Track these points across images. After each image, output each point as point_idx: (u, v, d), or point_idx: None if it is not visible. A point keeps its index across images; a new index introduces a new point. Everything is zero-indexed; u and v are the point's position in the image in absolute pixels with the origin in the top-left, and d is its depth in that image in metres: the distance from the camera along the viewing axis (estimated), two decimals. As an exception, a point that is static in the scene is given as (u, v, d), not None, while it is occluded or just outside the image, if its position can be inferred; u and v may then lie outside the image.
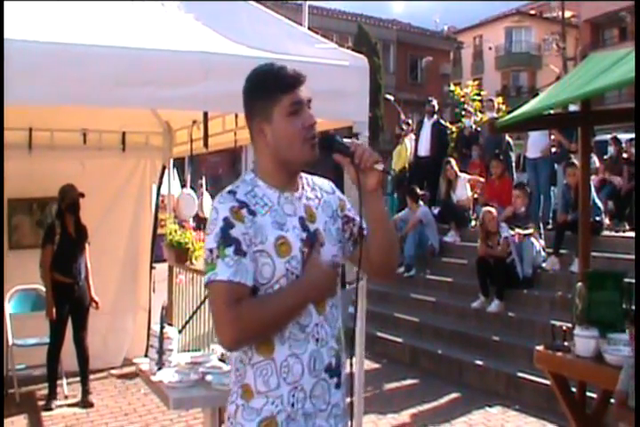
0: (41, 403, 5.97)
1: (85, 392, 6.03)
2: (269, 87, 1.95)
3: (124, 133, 6.91)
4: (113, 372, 6.88)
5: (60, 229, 5.94)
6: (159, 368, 3.88)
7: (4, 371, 6.05)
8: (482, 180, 10.68)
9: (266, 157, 2.02)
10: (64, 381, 6.21)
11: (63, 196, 5.99)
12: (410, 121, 14.49)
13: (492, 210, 8.21)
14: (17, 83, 3.00)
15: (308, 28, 4.49)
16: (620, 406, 2.79)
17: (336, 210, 2.15)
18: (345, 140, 2.03)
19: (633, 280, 4.04)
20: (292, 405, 1.94)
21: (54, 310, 5.84)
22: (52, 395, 5.95)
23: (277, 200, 1.99)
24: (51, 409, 5.82)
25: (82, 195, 5.98)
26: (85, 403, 5.95)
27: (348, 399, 2.09)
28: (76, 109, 4.65)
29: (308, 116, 1.97)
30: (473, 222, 10.29)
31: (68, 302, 5.95)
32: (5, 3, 3.21)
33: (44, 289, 6.04)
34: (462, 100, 17.56)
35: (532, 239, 7.94)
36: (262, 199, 1.98)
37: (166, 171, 7.12)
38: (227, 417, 2.04)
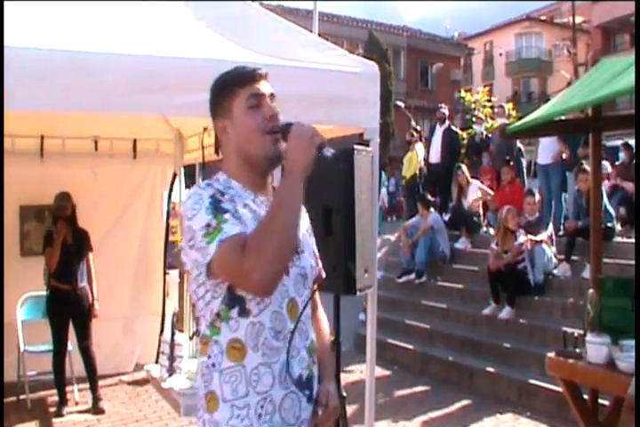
0: (52, 409, 5.99)
1: (96, 399, 6.03)
2: (228, 84, 1.94)
3: (135, 141, 6.94)
4: (123, 378, 6.90)
5: (57, 236, 5.93)
6: (170, 375, 3.89)
7: (16, 377, 6.10)
8: (491, 193, 10.51)
9: (232, 157, 1.98)
10: (75, 387, 6.24)
11: (54, 204, 6.00)
12: (418, 128, 14.48)
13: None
14: (29, 90, 3.02)
15: (319, 35, 4.48)
16: (630, 410, 2.77)
17: (308, 227, 2.12)
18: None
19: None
20: (260, 416, 1.83)
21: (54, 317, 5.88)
22: (63, 401, 5.97)
23: (253, 201, 1.93)
24: (62, 415, 5.85)
25: (67, 204, 5.96)
26: (96, 410, 5.96)
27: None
28: (88, 117, 4.67)
29: (268, 109, 1.91)
30: (484, 228, 10.26)
31: (66, 309, 5.95)
32: (18, 10, 3.24)
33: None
34: (473, 106, 17.56)
35: (544, 246, 7.89)
36: (239, 197, 1.90)
37: (177, 178, 7.14)
38: None
